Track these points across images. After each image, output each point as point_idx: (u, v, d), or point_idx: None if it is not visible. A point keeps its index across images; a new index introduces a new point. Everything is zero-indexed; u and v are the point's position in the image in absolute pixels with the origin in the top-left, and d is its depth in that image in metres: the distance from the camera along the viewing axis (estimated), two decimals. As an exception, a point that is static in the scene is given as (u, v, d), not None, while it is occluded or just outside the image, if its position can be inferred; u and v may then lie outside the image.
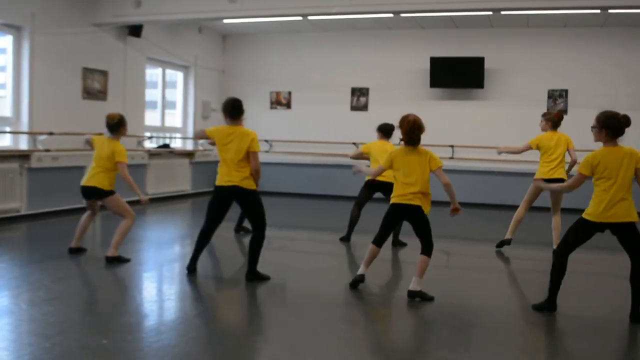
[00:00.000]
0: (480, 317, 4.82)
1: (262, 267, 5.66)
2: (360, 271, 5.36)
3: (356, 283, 5.37)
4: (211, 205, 5.71)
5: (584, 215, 4.63)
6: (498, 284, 6.31)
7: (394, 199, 5.20)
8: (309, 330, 4.36)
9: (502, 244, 7.40)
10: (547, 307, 4.76)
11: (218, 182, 5.60)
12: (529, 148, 7.17)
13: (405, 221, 5.38)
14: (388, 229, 5.33)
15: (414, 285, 5.09)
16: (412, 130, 5.05)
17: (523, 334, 4.54)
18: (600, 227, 4.57)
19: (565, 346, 4.20)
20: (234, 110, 5.58)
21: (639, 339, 4.47)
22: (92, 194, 6.25)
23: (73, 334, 4.10)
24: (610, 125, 4.51)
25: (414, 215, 5.14)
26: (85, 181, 6.26)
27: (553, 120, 7.17)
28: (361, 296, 5.23)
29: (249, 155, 5.46)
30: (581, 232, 4.65)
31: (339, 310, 5.05)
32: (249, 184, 5.52)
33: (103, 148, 6.22)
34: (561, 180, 6.79)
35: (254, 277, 5.60)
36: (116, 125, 6.25)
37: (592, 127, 4.64)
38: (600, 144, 4.64)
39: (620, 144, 4.59)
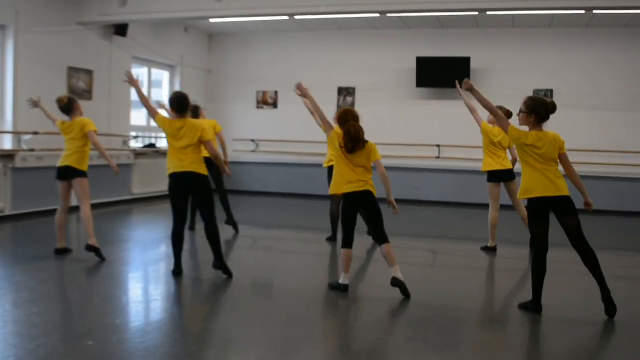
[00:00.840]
0: (467, 316, 4.84)
1: (248, 268, 5.66)
2: (342, 280, 5.31)
3: (339, 291, 5.31)
4: (172, 198, 5.69)
5: (528, 197, 4.74)
6: (484, 283, 6.35)
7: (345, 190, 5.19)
8: (296, 331, 4.36)
9: (487, 250, 7.37)
10: (533, 309, 4.79)
11: (171, 171, 5.63)
12: (479, 123, 7.42)
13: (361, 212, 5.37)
14: (350, 225, 5.28)
15: (399, 274, 5.12)
16: (352, 140, 5.09)
17: (509, 333, 4.57)
18: (548, 202, 4.67)
19: (551, 344, 4.22)
20: (180, 107, 5.71)
21: (620, 335, 4.52)
22: (67, 173, 6.35)
23: (58, 335, 4.08)
24: (539, 112, 4.73)
25: (367, 200, 5.19)
26: (60, 163, 6.39)
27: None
28: (346, 296, 5.23)
29: (203, 145, 5.62)
30: (539, 217, 4.72)
31: (325, 311, 5.07)
32: (203, 169, 5.64)
33: (71, 129, 6.36)
34: (511, 171, 7.13)
35: (223, 265, 5.66)
36: (69, 105, 6.40)
37: (520, 111, 4.82)
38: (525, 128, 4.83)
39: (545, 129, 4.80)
